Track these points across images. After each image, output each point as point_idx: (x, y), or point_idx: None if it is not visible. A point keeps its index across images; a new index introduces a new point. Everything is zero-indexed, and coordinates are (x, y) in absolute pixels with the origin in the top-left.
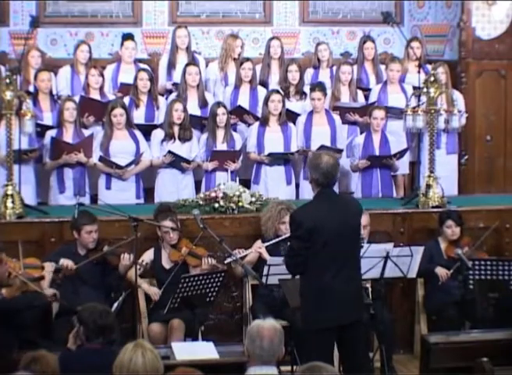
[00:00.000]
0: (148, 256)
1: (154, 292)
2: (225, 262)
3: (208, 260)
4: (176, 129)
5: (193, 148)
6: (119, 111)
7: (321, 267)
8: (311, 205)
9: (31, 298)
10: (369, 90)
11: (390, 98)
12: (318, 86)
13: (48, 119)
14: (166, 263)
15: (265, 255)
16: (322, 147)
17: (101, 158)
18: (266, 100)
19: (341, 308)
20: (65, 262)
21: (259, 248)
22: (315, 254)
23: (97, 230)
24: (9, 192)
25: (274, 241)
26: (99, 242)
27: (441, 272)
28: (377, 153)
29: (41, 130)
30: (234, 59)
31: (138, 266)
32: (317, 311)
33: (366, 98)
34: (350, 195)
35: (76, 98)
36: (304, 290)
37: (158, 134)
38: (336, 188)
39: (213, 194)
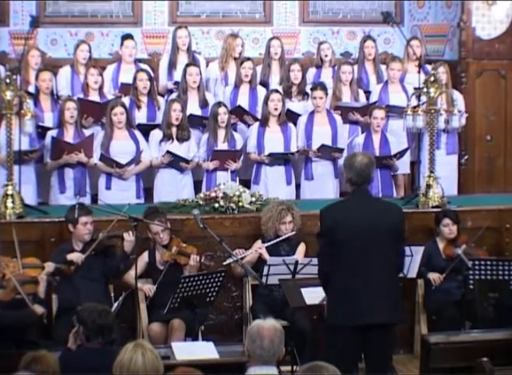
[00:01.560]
0: (144, 260)
1: (148, 288)
2: (225, 263)
3: (194, 257)
4: (174, 129)
5: (192, 148)
6: (119, 109)
7: (342, 265)
8: (340, 203)
9: (22, 318)
10: (369, 92)
11: (391, 98)
12: (319, 85)
13: (48, 119)
14: (160, 264)
15: (265, 255)
16: (323, 146)
17: (101, 157)
18: (266, 99)
19: (358, 309)
20: (74, 257)
21: (259, 248)
22: (337, 251)
23: (93, 223)
24: (9, 192)
25: (274, 241)
26: (93, 239)
27: (433, 277)
28: (377, 153)
29: (42, 131)
30: (235, 59)
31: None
32: (334, 307)
33: (367, 98)
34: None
35: (76, 98)
36: (329, 286)
37: (156, 135)
38: (337, 188)
39: (213, 194)
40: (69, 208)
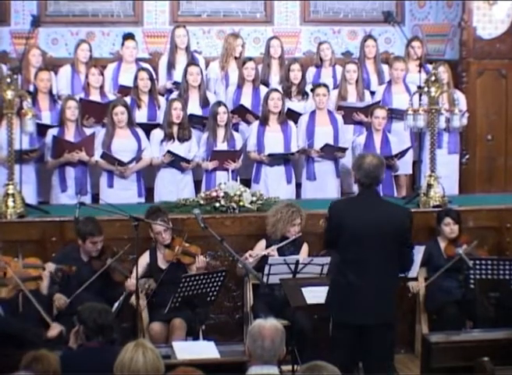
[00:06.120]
0: (145, 260)
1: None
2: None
3: (201, 259)
4: (175, 129)
5: (192, 148)
6: (120, 109)
7: (346, 264)
8: (348, 201)
9: (28, 332)
10: (372, 92)
11: (395, 99)
12: (321, 83)
13: (46, 118)
14: (162, 264)
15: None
16: (327, 146)
17: (103, 155)
18: (266, 98)
19: (359, 309)
20: (58, 302)
21: (272, 251)
22: (341, 249)
23: (102, 241)
24: (10, 191)
25: (284, 243)
26: (103, 251)
27: (412, 284)
28: (378, 153)
29: (40, 129)
30: (235, 58)
31: (140, 289)
32: (333, 305)
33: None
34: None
35: (77, 97)
36: (330, 282)
37: (157, 134)
38: (338, 187)
39: (214, 194)
40: (74, 214)
